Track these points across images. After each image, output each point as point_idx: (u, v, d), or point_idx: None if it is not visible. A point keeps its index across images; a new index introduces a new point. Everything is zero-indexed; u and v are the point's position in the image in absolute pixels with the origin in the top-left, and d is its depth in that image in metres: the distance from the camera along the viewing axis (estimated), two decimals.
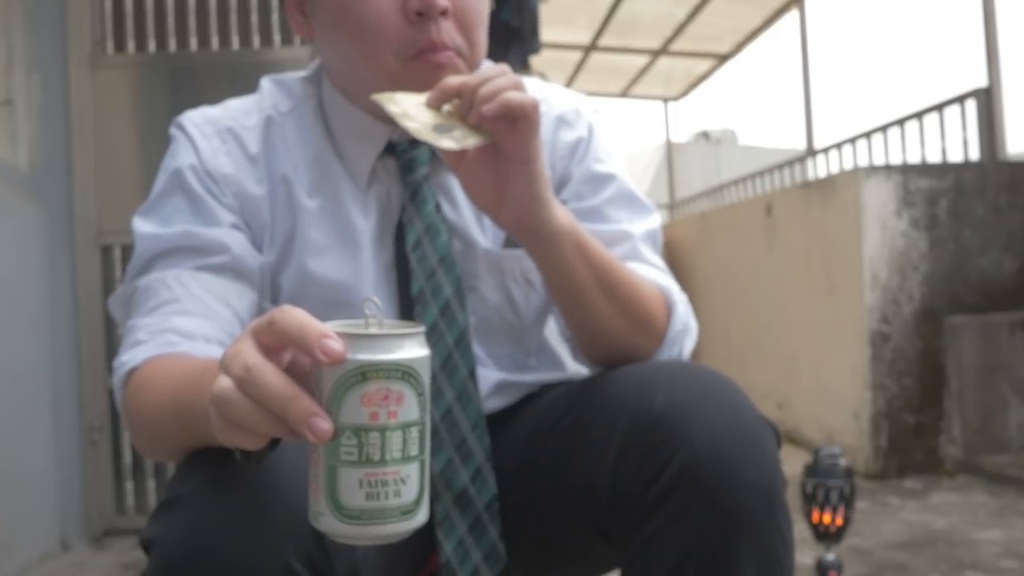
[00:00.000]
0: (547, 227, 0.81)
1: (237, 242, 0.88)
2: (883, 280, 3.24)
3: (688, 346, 0.95)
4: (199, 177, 0.90)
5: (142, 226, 0.89)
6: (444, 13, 0.85)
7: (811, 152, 5.54)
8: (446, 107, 0.78)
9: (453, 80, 0.77)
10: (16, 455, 2.37)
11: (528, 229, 0.82)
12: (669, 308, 0.92)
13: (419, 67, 0.86)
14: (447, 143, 0.75)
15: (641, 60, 7.41)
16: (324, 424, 0.52)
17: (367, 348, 0.54)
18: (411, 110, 0.76)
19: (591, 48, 7.03)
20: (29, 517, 2.42)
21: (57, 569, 2.43)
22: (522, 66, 2.66)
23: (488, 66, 1.01)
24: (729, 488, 0.71)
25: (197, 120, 0.94)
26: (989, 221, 3.34)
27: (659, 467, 0.73)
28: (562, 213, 0.83)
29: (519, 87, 0.76)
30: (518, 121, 0.76)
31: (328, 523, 0.55)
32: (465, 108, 0.77)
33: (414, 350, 0.55)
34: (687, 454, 0.72)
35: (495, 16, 0.94)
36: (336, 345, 0.53)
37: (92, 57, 2.74)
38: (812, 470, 1.92)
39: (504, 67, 0.78)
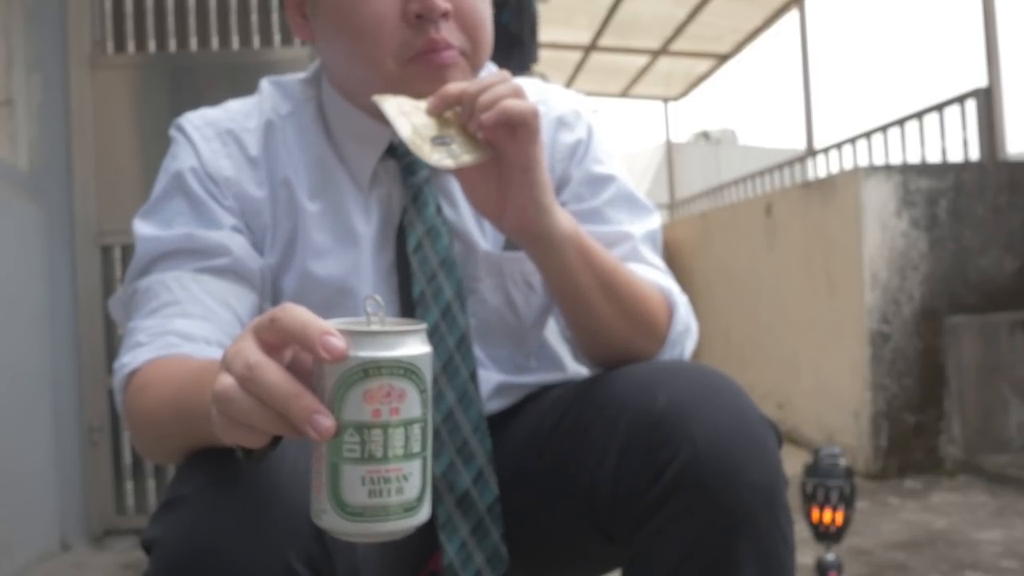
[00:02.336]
0: (549, 233, 0.81)
1: (238, 244, 0.88)
2: (883, 280, 3.25)
3: (689, 347, 0.95)
4: (200, 179, 0.90)
5: (143, 228, 0.89)
6: (445, 15, 0.85)
7: (811, 152, 5.54)
8: (447, 113, 0.77)
9: (453, 87, 0.76)
10: (16, 455, 2.37)
11: (530, 235, 0.82)
12: (670, 310, 0.92)
13: (419, 68, 0.85)
14: (445, 161, 0.74)
15: (641, 60, 7.41)
16: (326, 421, 0.53)
17: (369, 345, 0.54)
18: (410, 115, 0.75)
19: (591, 48, 7.03)
20: (29, 517, 2.42)
21: (57, 569, 2.43)
22: (524, 72, 2.64)
23: (491, 71, 1.01)
24: (731, 488, 0.71)
25: (197, 122, 0.94)
26: (989, 221, 3.34)
27: (661, 466, 0.73)
28: (564, 218, 0.82)
29: (519, 94, 0.76)
30: (518, 129, 0.76)
31: (330, 520, 0.55)
32: (465, 115, 0.76)
33: (416, 347, 0.55)
34: (689, 454, 0.72)
35: (496, 21, 0.94)
36: (338, 342, 0.53)
37: (92, 57, 2.74)
38: (812, 470, 1.92)
39: (505, 73, 0.78)
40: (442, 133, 0.76)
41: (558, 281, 0.85)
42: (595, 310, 0.86)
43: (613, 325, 0.87)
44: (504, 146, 0.77)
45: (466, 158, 0.75)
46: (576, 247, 0.83)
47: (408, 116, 0.75)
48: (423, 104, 0.77)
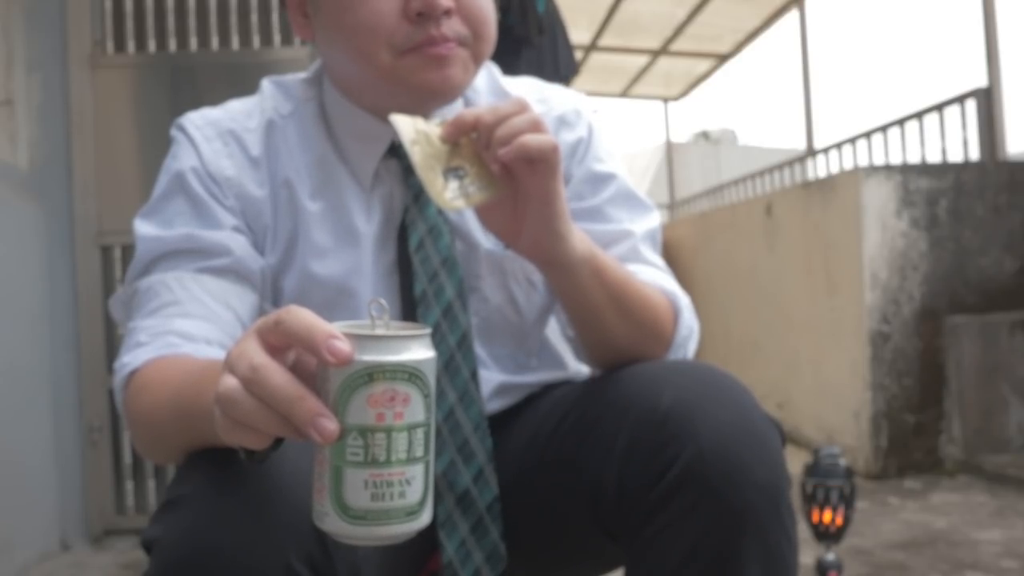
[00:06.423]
0: (565, 258, 0.81)
1: (239, 244, 0.88)
2: (883, 280, 3.24)
3: (692, 348, 0.95)
4: (201, 179, 0.89)
5: (143, 228, 0.89)
6: (447, 13, 0.85)
7: (811, 152, 5.55)
8: (461, 139, 0.75)
9: (469, 114, 0.74)
10: (16, 455, 2.37)
11: (546, 260, 0.81)
12: (675, 314, 0.93)
13: (415, 60, 0.85)
14: (456, 202, 0.72)
15: (641, 60, 7.41)
16: (330, 424, 0.53)
17: (374, 349, 0.54)
18: (423, 143, 0.73)
19: (591, 48, 7.02)
20: (29, 517, 2.42)
21: (57, 569, 2.43)
22: (560, 80, 2.54)
23: (493, 75, 1.01)
24: (735, 487, 0.71)
25: (198, 122, 0.93)
26: (989, 221, 3.34)
27: (665, 465, 0.73)
28: (579, 241, 0.82)
29: (537, 127, 0.74)
30: (537, 164, 0.74)
31: (332, 523, 0.55)
32: (481, 146, 0.75)
33: (421, 352, 0.55)
34: (693, 452, 0.72)
35: (502, 23, 0.93)
36: (343, 346, 0.53)
37: (92, 57, 2.74)
38: (812, 470, 1.92)
39: (522, 102, 0.76)
40: (455, 164, 0.74)
41: (572, 300, 0.85)
42: (607, 323, 0.86)
43: (623, 335, 0.88)
44: (522, 179, 0.76)
45: (479, 196, 0.74)
46: (591, 268, 0.83)
47: (421, 144, 0.73)
48: (437, 128, 0.75)
